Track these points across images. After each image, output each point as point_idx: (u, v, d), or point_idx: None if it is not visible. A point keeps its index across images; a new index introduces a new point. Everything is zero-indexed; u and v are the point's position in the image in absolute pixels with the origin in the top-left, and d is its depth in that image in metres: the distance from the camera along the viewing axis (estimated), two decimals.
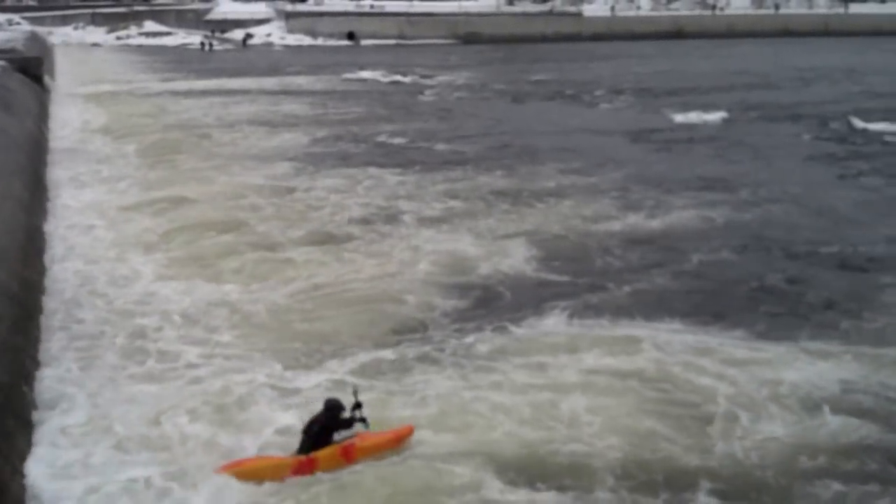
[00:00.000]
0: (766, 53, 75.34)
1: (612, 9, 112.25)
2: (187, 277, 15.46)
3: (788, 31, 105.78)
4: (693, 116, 35.65)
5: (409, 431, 9.71)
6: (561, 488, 9.04)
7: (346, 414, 9.48)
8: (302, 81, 53.39)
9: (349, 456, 9.34)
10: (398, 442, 9.58)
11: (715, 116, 35.62)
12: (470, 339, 12.69)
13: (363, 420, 9.50)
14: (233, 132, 32.36)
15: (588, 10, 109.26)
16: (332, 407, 9.44)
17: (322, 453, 9.24)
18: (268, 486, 8.93)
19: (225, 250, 17.03)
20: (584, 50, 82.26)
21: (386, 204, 20.92)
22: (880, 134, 31.16)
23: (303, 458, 9.21)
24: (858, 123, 33.03)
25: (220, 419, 10.32)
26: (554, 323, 13.36)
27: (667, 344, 12.31)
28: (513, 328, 13.15)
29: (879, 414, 10.40)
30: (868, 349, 12.13)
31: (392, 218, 19.60)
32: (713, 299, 14.53)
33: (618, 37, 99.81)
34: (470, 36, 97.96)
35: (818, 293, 14.88)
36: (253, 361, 11.99)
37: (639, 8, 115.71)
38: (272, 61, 69.77)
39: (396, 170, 25.02)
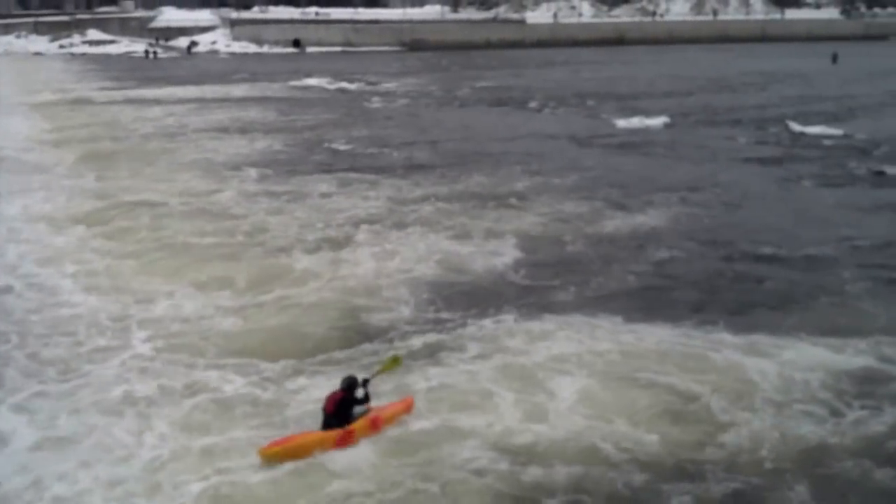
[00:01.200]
0: (706, 59, 76.88)
1: (555, 16, 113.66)
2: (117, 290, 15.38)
3: (727, 37, 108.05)
4: (636, 122, 36.31)
5: (411, 402, 10.46)
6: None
7: (360, 391, 10.08)
8: (248, 89, 53.33)
9: (377, 425, 9.97)
10: (408, 409, 10.32)
11: (657, 122, 36.32)
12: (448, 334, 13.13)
13: (367, 397, 10.16)
14: (176, 141, 32.34)
15: (531, 18, 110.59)
16: (351, 385, 10.01)
17: (357, 425, 9.83)
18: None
19: (176, 261, 17.15)
20: (528, 57, 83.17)
21: (338, 210, 21.08)
22: (818, 137, 32.04)
23: (341, 430, 9.72)
24: (796, 127, 33.91)
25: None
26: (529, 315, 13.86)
27: (630, 332, 12.99)
28: (496, 321, 13.58)
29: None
30: (811, 340, 12.66)
31: (348, 225, 19.75)
32: (668, 294, 15.07)
33: (561, 43, 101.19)
34: (415, 43, 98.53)
35: (765, 288, 15.42)
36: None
37: (581, 15, 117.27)
38: (217, 69, 69.52)
39: (349, 175, 25.23)
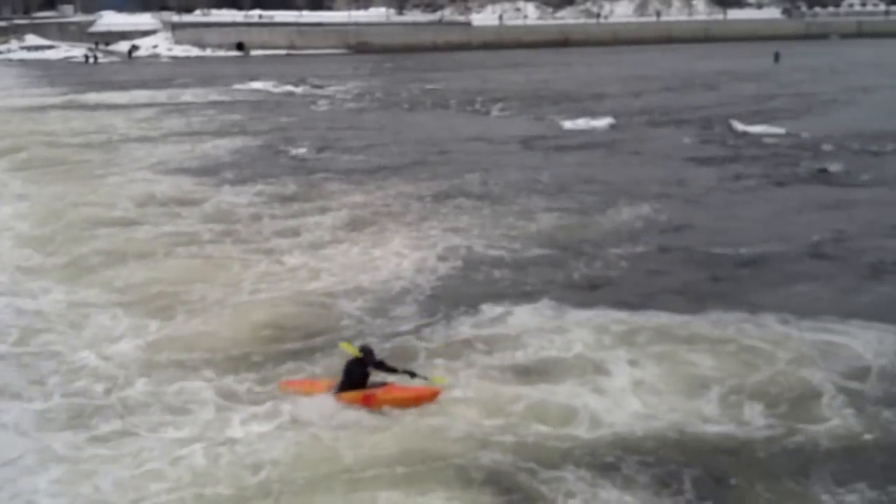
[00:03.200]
0: (650, 60, 77.49)
1: (500, 18, 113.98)
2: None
3: (670, 38, 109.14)
4: (581, 123, 36.37)
5: (435, 393, 10.51)
6: None
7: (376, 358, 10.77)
8: (191, 93, 52.62)
9: (370, 401, 10.43)
10: (419, 401, 10.42)
11: (602, 122, 36.41)
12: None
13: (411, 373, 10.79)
14: (113, 147, 31.80)
15: (477, 20, 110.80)
16: (369, 351, 10.80)
17: (365, 392, 10.51)
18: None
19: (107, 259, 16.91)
20: (474, 59, 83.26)
21: (289, 213, 20.83)
22: (760, 136, 32.34)
23: (354, 393, 10.54)
24: (739, 126, 34.21)
25: None
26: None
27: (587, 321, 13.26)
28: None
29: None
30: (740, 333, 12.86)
31: (292, 230, 19.51)
32: (624, 286, 15.30)
33: (506, 45, 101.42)
34: (361, 46, 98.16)
35: (710, 282, 15.62)
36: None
37: (526, 17, 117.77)
38: (159, 73, 68.60)
39: (298, 179, 24.97)
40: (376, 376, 10.73)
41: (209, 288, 15.37)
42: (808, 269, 16.32)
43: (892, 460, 9.64)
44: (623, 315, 13.54)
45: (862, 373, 11.52)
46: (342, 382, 10.67)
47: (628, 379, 11.34)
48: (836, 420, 10.37)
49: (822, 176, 25.10)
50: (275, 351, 12.58)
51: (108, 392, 11.32)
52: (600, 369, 11.63)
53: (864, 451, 9.83)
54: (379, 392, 10.47)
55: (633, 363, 11.80)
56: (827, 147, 29.73)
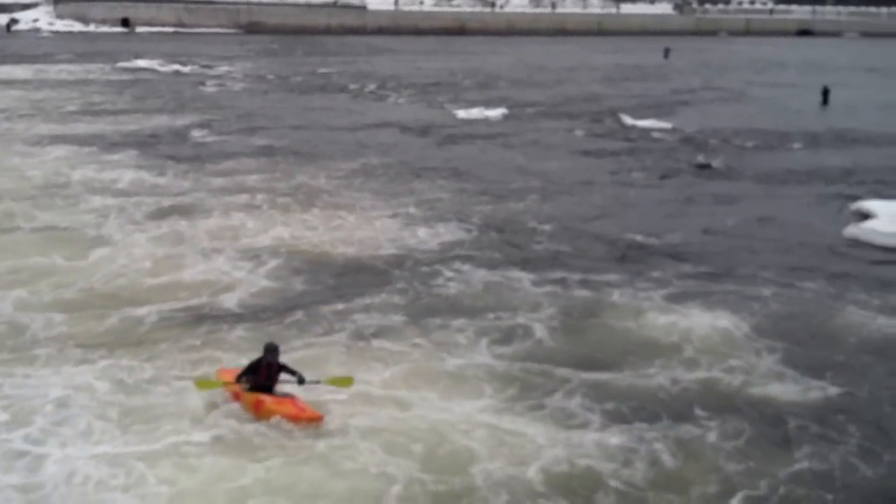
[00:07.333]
0: (544, 52, 78.15)
1: (396, 3, 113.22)
2: None
3: (565, 30, 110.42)
4: (475, 112, 36.33)
5: (321, 418, 10.11)
6: None
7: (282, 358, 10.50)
8: (73, 70, 50.74)
9: (259, 410, 10.20)
10: (314, 421, 10.04)
11: (496, 112, 36.46)
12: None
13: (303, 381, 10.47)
14: None
15: (372, 4, 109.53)
16: (273, 349, 10.39)
17: (271, 401, 10.21)
18: None
19: None
20: (369, 44, 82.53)
21: (170, 197, 20.16)
22: (648, 130, 32.86)
23: (258, 397, 10.25)
24: (628, 120, 34.69)
25: None
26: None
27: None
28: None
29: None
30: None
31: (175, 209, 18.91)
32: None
33: (402, 31, 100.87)
34: (252, 26, 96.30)
35: (587, 267, 15.81)
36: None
37: (422, 3, 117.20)
38: (40, 49, 65.85)
39: (181, 166, 24.28)
40: (283, 384, 10.43)
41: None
42: (682, 258, 16.73)
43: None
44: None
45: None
46: (249, 382, 10.34)
47: None
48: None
49: (705, 171, 25.60)
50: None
51: None
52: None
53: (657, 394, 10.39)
54: (270, 401, 10.17)
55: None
56: (711, 142, 30.44)
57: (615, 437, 9.92)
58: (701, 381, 11.40)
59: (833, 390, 11.27)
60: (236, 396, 10.42)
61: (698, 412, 10.56)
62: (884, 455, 9.76)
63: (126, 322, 12.92)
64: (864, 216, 19.76)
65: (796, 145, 30.44)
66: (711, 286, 15.05)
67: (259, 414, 10.13)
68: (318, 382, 10.56)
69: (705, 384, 11.34)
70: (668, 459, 9.52)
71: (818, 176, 25.24)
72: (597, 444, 9.78)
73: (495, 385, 11.15)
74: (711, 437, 10.01)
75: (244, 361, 10.72)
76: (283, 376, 10.43)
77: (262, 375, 10.29)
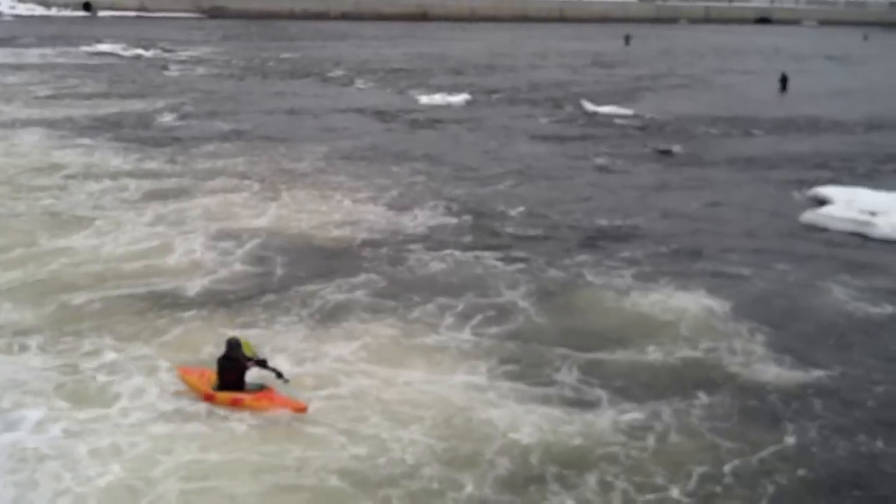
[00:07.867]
0: (506, 38, 78.39)
1: None
2: None
3: (526, 17, 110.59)
4: (438, 98, 36.58)
5: (305, 407, 10.09)
6: None
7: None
8: (34, 53, 50.23)
9: (237, 404, 10.17)
10: (299, 411, 10.04)
11: (458, 98, 36.72)
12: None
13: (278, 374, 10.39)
14: None
15: None
16: (235, 345, 10.27)
17: (247, 397, 10.20)
18: None
19: None
20: (332, 29, 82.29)
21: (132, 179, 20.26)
22: (610, 117, 33.31)
23: (233, 395, 10.23)
24: (590, 106, 35.10)
25: None
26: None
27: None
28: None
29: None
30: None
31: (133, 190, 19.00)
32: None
33: (365, 17, 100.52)
34: (215, 10, 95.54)
35: (551, 251, 16.15)
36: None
37: None
38: (2, 32, 65.01)
39: (155, 150, 24.37)
40: (253, 376, 10.42)
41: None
42: (648, 240, 17.26)
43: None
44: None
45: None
46: (218, 380, 10.34)
47: None
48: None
49: (666, 157, 26.10)
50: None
51: None
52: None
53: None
54: (248, 398, 10.20)
55: None
56: (671, 128, 30.97)
57: (596, 413, 10.40)
58: (681, 358, 11.99)
59: (809, 368, 11.79)
60: (209, 398, 10.27)
61: (680, 387, 11.12)
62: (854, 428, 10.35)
63: (93, 305, 13.09)
64: (821, 202, 20.46)
65: (755, 131, 31.05)
66: (678, 268, 15.61)
67: (241, 407, 10.15)
68: (287, 382, 10.39)
69: (686, 361, 11.92)
70: (655, 433, 10.01)
71: (776, 162, 25.84)
72: (581, 420, 10.22)
73: (473, 361, 11.56)
74: (696, 412, 10.50)
75: (220, 345, 10.66)
76: (256, 370, 10.36)
77: (231, 373, 10.27)
